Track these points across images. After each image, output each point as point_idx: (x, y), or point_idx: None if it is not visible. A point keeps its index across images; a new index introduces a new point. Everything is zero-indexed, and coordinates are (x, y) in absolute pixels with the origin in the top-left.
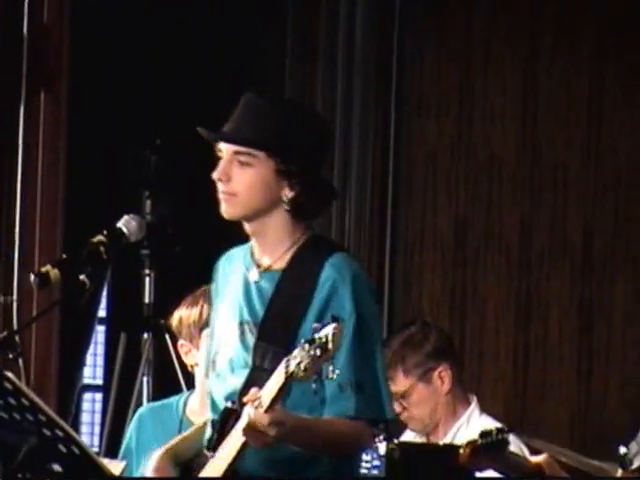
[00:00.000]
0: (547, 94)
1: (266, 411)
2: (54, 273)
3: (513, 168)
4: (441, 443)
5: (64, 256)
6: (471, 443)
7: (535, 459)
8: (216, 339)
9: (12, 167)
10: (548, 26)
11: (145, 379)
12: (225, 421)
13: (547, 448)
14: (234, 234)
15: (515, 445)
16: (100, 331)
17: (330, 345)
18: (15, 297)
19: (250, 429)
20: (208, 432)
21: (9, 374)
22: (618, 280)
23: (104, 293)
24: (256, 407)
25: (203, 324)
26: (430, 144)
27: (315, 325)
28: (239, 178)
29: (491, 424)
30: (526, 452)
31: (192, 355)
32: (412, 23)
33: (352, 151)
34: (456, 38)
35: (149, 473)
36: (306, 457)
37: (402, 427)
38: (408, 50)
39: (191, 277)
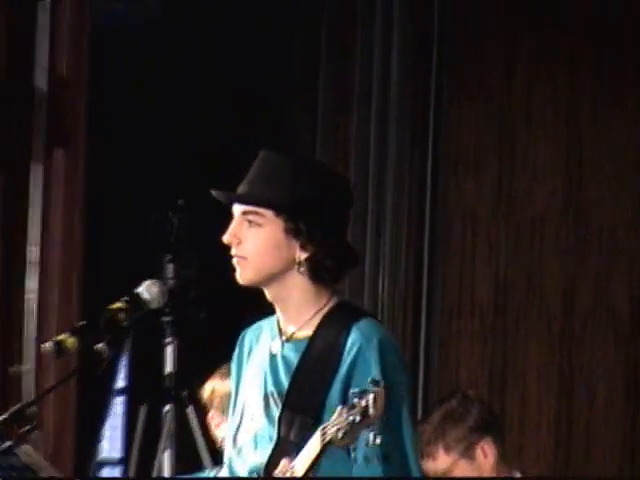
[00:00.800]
0: (592, 148)
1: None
2: (71, 341)
3: (557, 228)
4: None
5: (82, 323)
6: None
7: None
8: (238, 414)
9: (28, 231)
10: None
11: (166, 453)
12: None
13: None
14: (262, 300)
15: None
16: (119, 402)
17: (371, 411)
18: (31, 366)
19: None
20: None
21: (27, 447)
22: None
23: (123, 362)
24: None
25: None
26: (469, 201)
27: (353, 390)
28: (249, 240)
29: None
30: None
31: (223, 428)
32: (450, 76)
33: (386, 209)
34: (497, 87)
35: None
36: None
37: None
38: (445, 100)
39: (216, 346)
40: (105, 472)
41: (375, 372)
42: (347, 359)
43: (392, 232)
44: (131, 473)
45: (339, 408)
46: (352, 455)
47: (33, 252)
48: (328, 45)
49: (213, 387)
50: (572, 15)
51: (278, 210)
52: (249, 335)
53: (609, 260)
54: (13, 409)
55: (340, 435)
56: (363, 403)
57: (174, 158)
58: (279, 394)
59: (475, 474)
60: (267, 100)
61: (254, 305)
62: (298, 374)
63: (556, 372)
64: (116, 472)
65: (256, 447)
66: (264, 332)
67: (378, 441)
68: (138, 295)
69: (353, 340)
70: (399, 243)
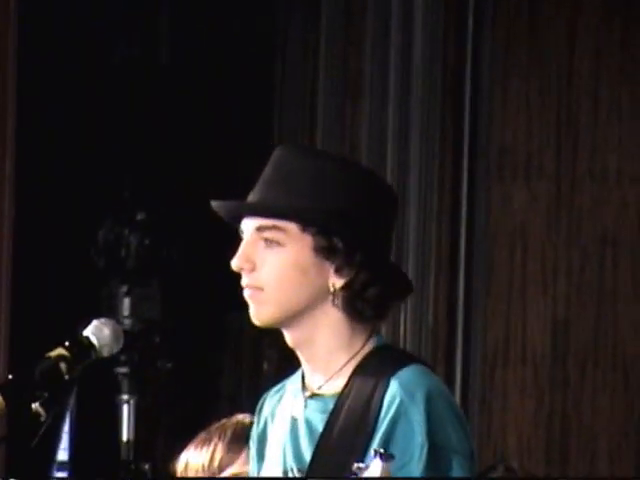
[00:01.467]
0: None
1: None
2: None
3: (633, 249)
4: None
5: (10, 377)
6: None
7: None
8: None
9: None
10: None
11: None
12: None
13: None
14: (256, 346)
15: None
16: None
17: None
18: None
19: None
20: None
21: None
22: None
23: (65, 428)
24: None
25: (215, 469)
26: (518, 215)
27: (357, 465)
28: (266, 264)
29: None
30: None
31: None
32: (492, 42)
33: (408, 224)
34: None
35: None
36: None
37: None
38: (485, 81)
39: (187, 404)
40: None
41: (419, 436)
42: (384, 421)
43: (416, 258)
44: None
45: None
46: None
47: None
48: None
49: (187, 460)
50: None
51: (305, 223)
52: (270, 399)
53: None
54: None
55: None
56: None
57: (132, 157)
58: (300, 470)
59: None
60: (256, 92)
61: (232, 353)
62: (323, 442)
63: (633, 436)
64: None
65: None
66: (287, 392)
67: None
68: (85, 339)
69: (393, 395)
70: (426, 271)
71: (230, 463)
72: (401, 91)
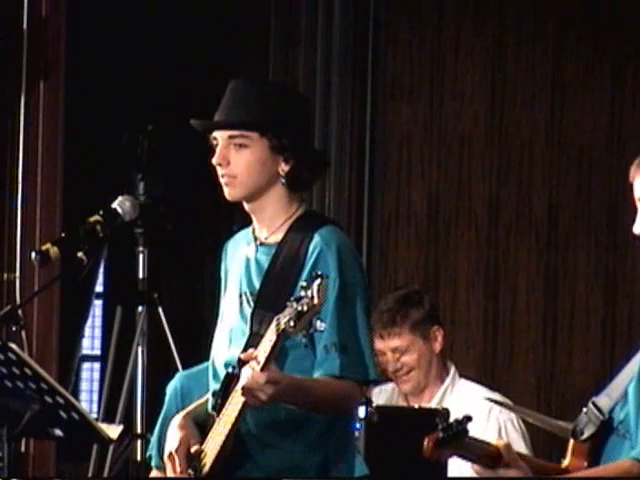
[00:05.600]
0: (513, 77)
1: (262, 370)
2: (54, 251)
3: (482, 147)
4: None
5: (63, 235)
6: (433, 437)
7: (494, 443)
8: (222, 314)
9: (13, 153)
10: (513, 12)
11: (140, 349)
12: (227, 386)
13: (515, 410)
14: (223, 214)
15: (506, 416)
16: (97, 305)
17: (316, 300)
18: (17, 274)
19: (248, 389)
20: (210, 401)
21: (13, 345)
22: (580, 252)
23: (101, 269)
24: (252, 368)
25: None
26: (404, 124)
27: (302, 283)
28: (237, 160)
29: (474, 388)
30: (515, 421)
31: None
32: (387, 12)
33: (331, 132)
34: (429, 26)
35: (172, 431)
36: (301, 418)
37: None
38: (383, 37)
39: (182, 253)
40: (85, 367)
41: (333, 272)
42: (309, 262)
43: (337, 152)
44: (109, 367)
45: (290, 301)
46: (303, 340)
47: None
48: None
49: None
50: None
51: (264, 131)
52: (230, 245)
53: (528, 173)
54: (3, 311)
55: (292, 324)
56: (308, 293)
57: (145, 88)
58: (251, 294)
59: (428, 355)
60: (226, 39)
61: (213, 219)
62: (268, 275)
63: (483, 274)
64: (95, 367)
65: (230, 343)
66: (241, 241)
67: (322, 327)
68: (113, 209)
69: (315, 245)
70: (343, 162)
71: None
72: (326, 44)
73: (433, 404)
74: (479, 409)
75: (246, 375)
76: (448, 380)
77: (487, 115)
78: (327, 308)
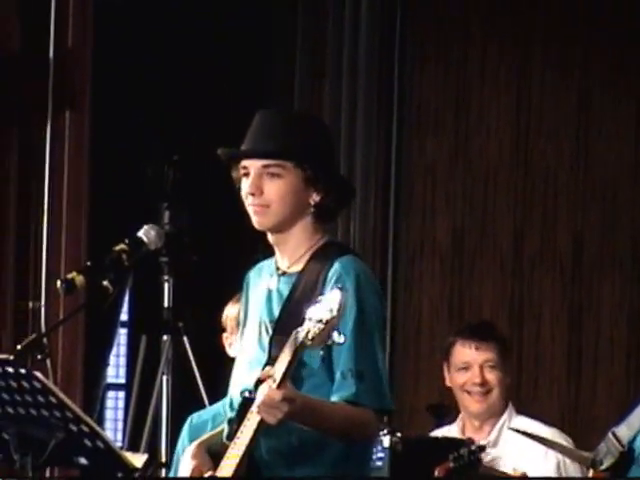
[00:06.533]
0: (538, 107)
1: (278, 387)
2: (79, 279)
3: (506, 178)
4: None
5: (89, 263)
6: (443, 467)
7: (513, 474)
8: (242, 345)
9: (39, 182)
10: (539, 40)
11: (164, 378)
12: (244, 410)
13: (541, 440)
14: (247, 244)
15: (562, 439)
16: (122, 333)
17: (335, 312)
18: (43, 302)
19: (264, 405)
20: (226, 429)
21: (38, 374)
22: (605, 284)
23: (126, 298)
24: (269, 385)
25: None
26: (429, 156)
27: (319, 297)
28: (271, 189)
29: (531, 424)
30: (570, 443)
31: (235, 347)
32: (412, 45)
33: (355, 164)
34: (454, 57)
35: (186, 460)
36: (313, 447)
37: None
38: (408, 69)
39: (206, 283)
40: (110, 395)
41: (351, 300)
42: (328, 287)
43: (362, 184)
44: (133, 396)
45: (308, 315)
46: (321, 353)
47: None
48: (305, 14)
49: (226, 312)
50: None
51: (300, 161)
52: (252, 274)
53: (553, 204)
54: (28, 339)
55: (310, 336)
56: (326, 306)
57: (171, 118)
58: (270, 322)
59: (504, 380)
60: (251, 70)
61: (238, 249)
62: (288, 303)
63: (507, 307)
64: (120, 395)
65: (250, 369)
66: (264, 271)
67: (342, 340)
68: (139, 238)
69: (334, 271)
70: (368, 193)
71: None
72: (351, 75)
73: (491, 438)
74: (537, 444)
75: (262, 392)
76: (506, 415)
77: (512, 146)
78: (345, 332)
